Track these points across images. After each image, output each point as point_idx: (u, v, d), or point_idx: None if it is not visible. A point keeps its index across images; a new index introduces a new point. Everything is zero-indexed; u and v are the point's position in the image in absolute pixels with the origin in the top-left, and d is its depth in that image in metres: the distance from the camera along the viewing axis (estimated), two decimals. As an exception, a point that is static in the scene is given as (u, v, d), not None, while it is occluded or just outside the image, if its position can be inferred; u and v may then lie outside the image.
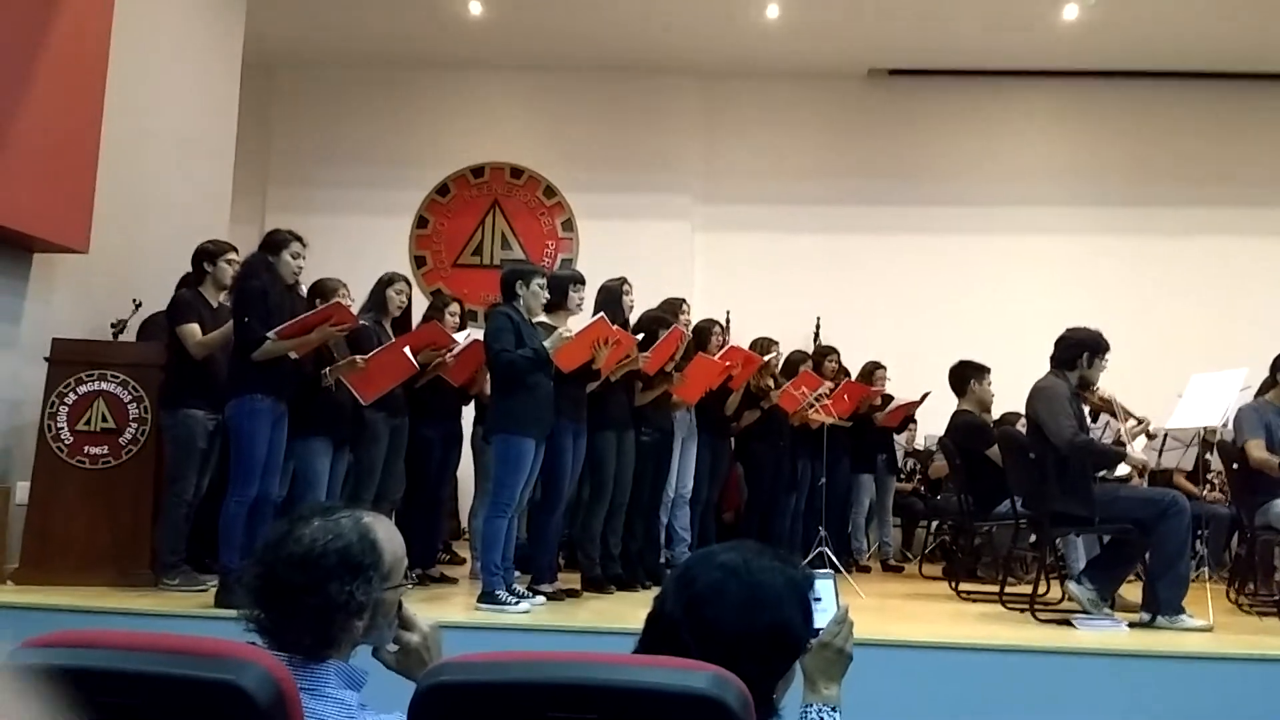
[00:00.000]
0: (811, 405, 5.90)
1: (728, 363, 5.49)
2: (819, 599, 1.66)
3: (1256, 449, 4.70)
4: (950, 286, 8.65)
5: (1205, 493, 6.30)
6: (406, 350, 4.68)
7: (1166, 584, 4.26)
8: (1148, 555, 4.44)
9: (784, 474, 6.21)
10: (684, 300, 5.63)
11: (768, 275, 8.66)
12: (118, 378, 4.70)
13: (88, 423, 4.65)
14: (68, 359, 4.72)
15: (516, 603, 4.23)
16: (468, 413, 5.66)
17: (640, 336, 5.06)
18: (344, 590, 1.48)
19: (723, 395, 5.73)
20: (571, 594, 4.73)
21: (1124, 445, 4.87)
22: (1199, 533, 5.65)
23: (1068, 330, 4.72)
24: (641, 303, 5.32)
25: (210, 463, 4.67)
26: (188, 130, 6.20)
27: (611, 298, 5.02)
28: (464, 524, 6.73)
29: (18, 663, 1.28)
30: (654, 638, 1.46)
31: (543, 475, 4.60)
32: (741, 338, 6.50)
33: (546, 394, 4.45)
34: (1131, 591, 4.83)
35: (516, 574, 4.62)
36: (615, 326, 4.72)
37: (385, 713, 1.48)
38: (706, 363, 5.35)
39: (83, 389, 4.67)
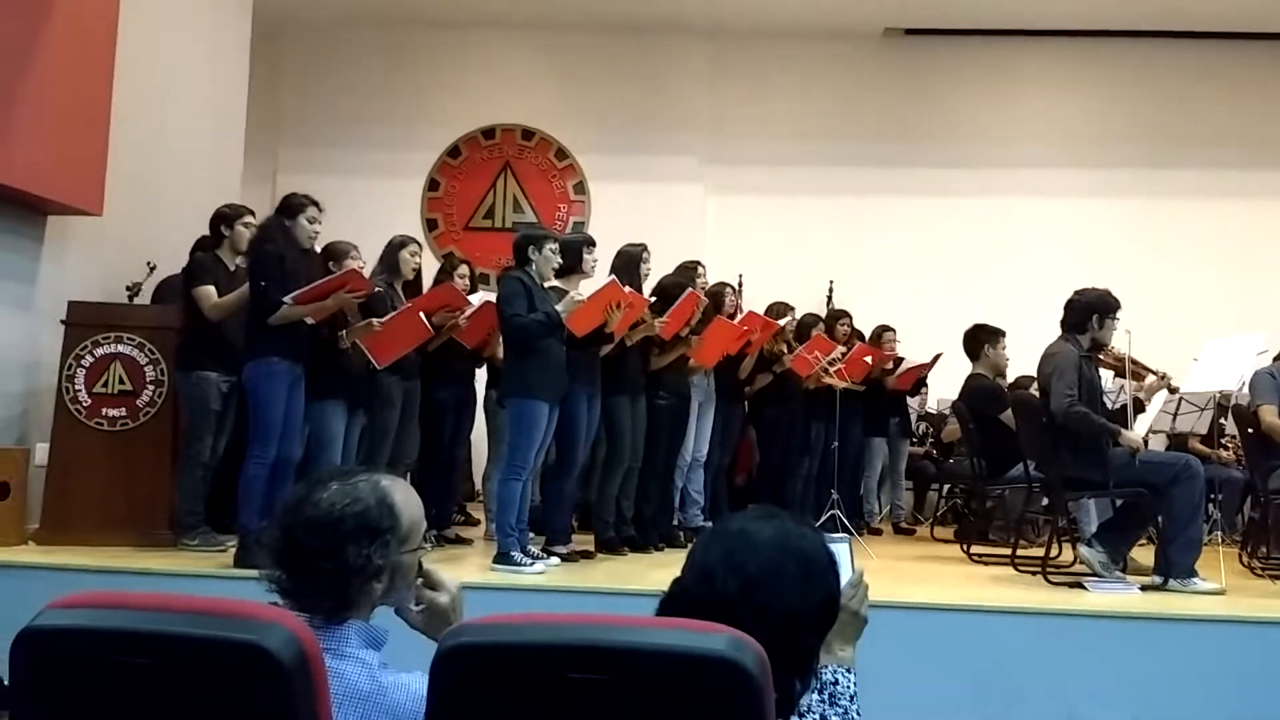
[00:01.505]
0: (825, 370, 5.89)
1: (745, 328, 5.48)
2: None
3: (1269, 414, 4.67)
4: (965, 249, 8.58)
5: (1219, 454, 6.27)
6: (421, 314, 4.69)
7: (1179, 547, 4.26)
8: (1160, 519, 4.44)
9: (797, 438, 6.22)
10: (699, 263, 5.61)
11: (780, 238, 8.60)
12: (134, 340, 4.73)
13: (105, 385, 4.69)
14: (84, 321, 4.75)
15: (531, 564, 4.27)
16: (480, 375, 5.68)
17: (653, 300, 5.05)
18: (361, 554, 1.49)
19: (736, 360, 5.73)
20: (586, 555, 4.76)
21: (1126, 417, 4.84)
22: (1212, 496, 5.64)
23: (1076, 293, 4.68)
24: (655, 265, 5.30)
25: (226, 425, 4.70)
26: (198, 92, 6.18)
27: (628, 262, 5.00)
28: (478, 486, 6.77)
29: (44, 624, 1.30)
30: (696, 615, 1.44)
31: (557, 439, 4.62)
32: (754, 301, 6.48)
33: (559, 358, 4.46)
34: (1143, 555, 4.85)
35: (531, 535, 4.66)
36: (628, 289, 4.71)
37: (406, 672, 1.50)
38: (724, 326, 5.34)
39: (100, 351, 4.70)
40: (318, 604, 1.50)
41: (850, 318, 6.88)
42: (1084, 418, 4.40)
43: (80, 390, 4.67)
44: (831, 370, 5.91)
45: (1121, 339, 4.70)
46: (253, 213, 4.83)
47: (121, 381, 4.69)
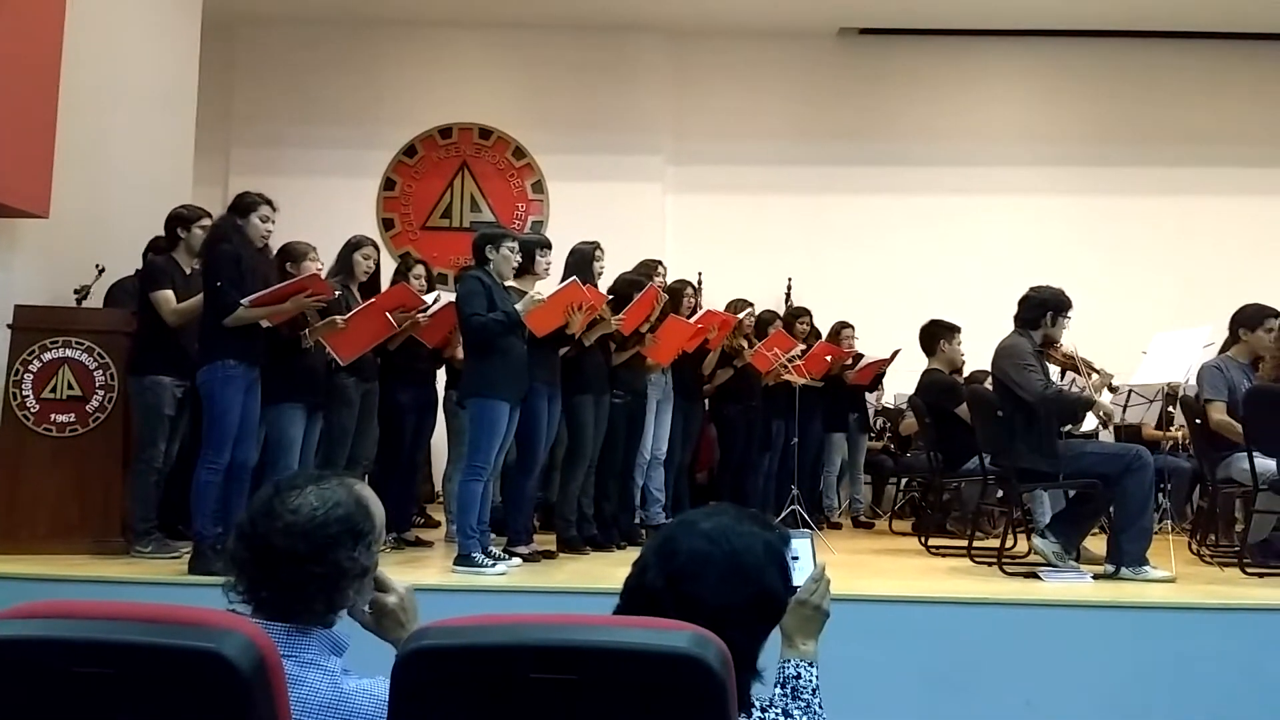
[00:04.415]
0: (785, 367, 5.93)
1: (700, 325, 5.50)
2: (796, 557, 1.68)
3: (1216, 411, 4.77)
4: (921, 246, 8.68)
5: (1167, 434, 6.41)
6: (384, 310, 4.66)
7: (1130, 537, 4.35)
8: (1112, 509, 4.53)
9: (757, 434, 6.26)
10: (659, 262, 5.62)
11: (739, 236, 8.65)
12: (83, 344, 4.64)
13: (53, 390, 4.59)
14: (31, 326, 4.64)
15: (492, 565, 4.25)
16: (440, 377, 5.64)
17: (611, 298, 5.05)
18: (349, 556, 1.51)
19: (695, 358, 5.75)
20: (547, 555, 4.76)
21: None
22: (1162, 486, 5.77)
23: (1030, 289, 4.79)
24: (614, 265, 5.30)
25: (179, 430, 4.64)
26: (148, 90, 6.06)
27: (582, 261, 4.99)
28: (438, 488, 6.73)
29: (-5, 634, 1.27)
30: (635, 607, 1.47)
31: (518, 439, 4.60)
32: (713, 299, 6.51)
33: (520, 357, 4.44)
34: (1096, 544, 4.94)
35: (492, 536, 4.64)
36: (587, 288, 4.71)
37: (369, 677, 1.49)
38: (678, 324, 5.36)
39: (48, 356, 4.60)
40: (308, 608, 1.50)
41: (810, 315, 6.93)
42: (1060, 396, 4.56)
43: (28, 396, 4.57)
44: (790, 367, 5.96)
45: (1065, 336, 4.81)
46: (210, 215, 4.75)
47: (70, 386, 4.59)
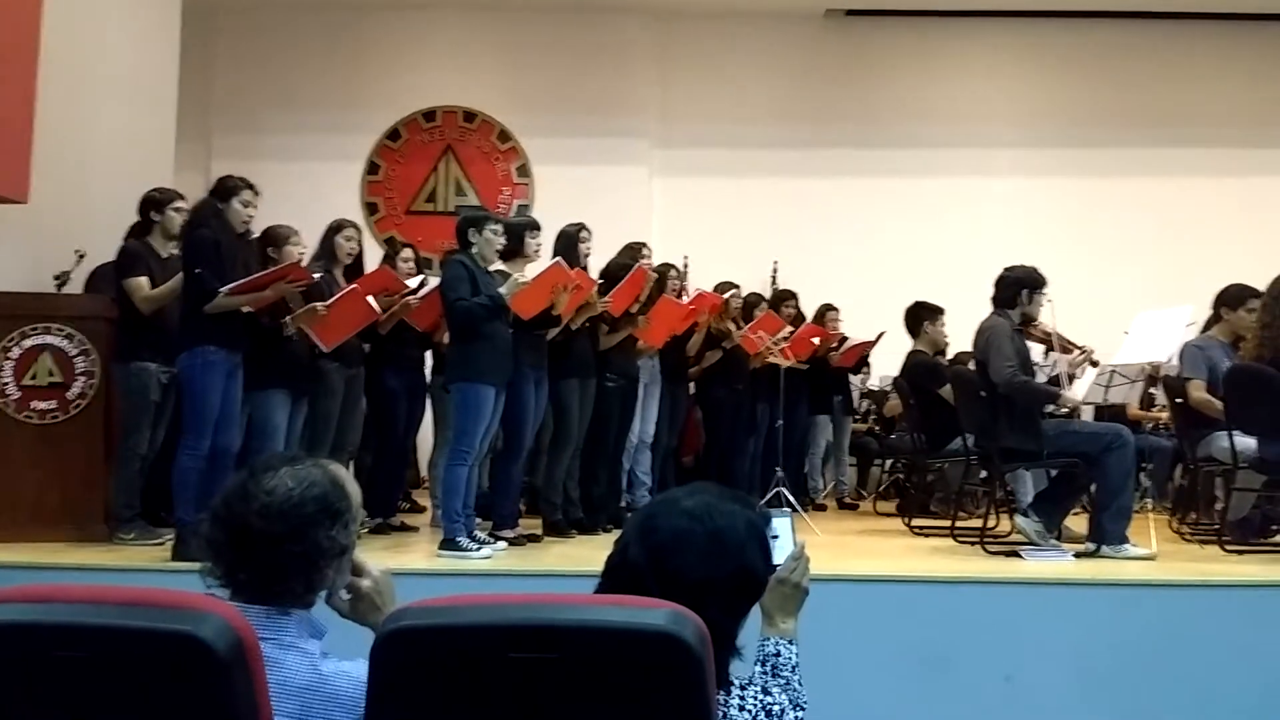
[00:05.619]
0: (771, 349, 5.95)
1: (693, 306, 5.51)
2: (776, 536, 1.69)
3: (1196, 389, 4.79)
4: (907, 229, 8.69)
5: (1149, 414, 6.45)
6: (368, 296, 4.64)
7: (1111, 515, 4.38)
8: (1093, 488, 4.56)
9: (743, 417, 6.27)
10: (644, 244, 5.61)
11: (725, 219, 8.63)
12: (63, 331, 4.60)
13: (34, 377, 4.55)
14: (11, 312, 4.60)
15: (478, 549, 4.25)
16: (427, 361, 5.62)
17: (601, 282, 5.05)
18: (328, 535, 1.51)
19: (681, 341, 5.75)
20: (533, 539, 4.76)
21: (1060, 385, 4.97)
22: (1143, 465, 5.81)
23: (1005, 270, 4.82)
24: (600, 248, 5.29)
25: (164, 416, 4.60)
26: (128, 75, 6.00)
27: (568, 243, 4.98)
28: (423, 473, 6.72)
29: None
30: (616, 584, 1.48)
31: (504, 423, 4.60)
32: (699, 282, 6.51)
33: (505, 341, 4.43)
34: (1077, 523, 4.98)
35: (478, 521, 4.64)
36: (574, 270, 4.70)
37: (348, 660, 1.49)
38: (671, 305, 5.36)
39: (28, 343, 4.57)
40: (288, 589, 1.50)
41: (796, 299, 6.94)
42: (1026, 386, 4.56)
43: (8, 383, 4.53)
44: (777, 349, 5.97)
45: (1045, 313, 4.83)
46: (183, 197, 4.71)
47: (51, 373, 4.55)
